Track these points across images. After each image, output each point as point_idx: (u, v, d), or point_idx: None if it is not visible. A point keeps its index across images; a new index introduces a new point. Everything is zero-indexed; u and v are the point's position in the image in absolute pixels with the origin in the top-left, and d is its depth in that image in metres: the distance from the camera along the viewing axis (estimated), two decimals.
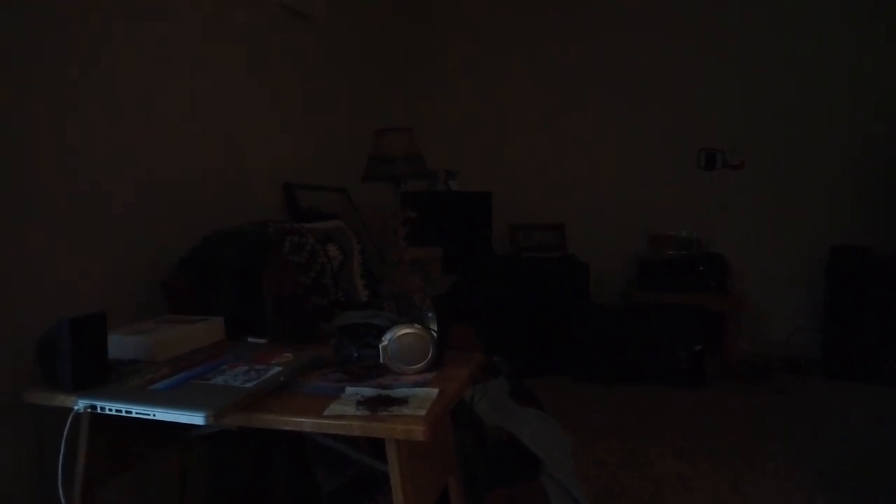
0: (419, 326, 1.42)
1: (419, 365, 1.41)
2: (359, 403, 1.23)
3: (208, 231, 1.97)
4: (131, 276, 1.86)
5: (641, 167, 4.30)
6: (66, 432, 1.26)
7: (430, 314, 1.47)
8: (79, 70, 1.70)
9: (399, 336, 1.40)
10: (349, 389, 1.32)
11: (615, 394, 3.53)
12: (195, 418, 1.14)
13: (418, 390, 1.30)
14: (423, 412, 1.19)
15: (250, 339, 1.70)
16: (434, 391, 1.30)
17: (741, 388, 3.56)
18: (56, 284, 1.61)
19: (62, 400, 1.28)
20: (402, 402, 1.24)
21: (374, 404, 1.23)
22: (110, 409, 1.21)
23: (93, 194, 1.74)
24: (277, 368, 1.38)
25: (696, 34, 4.15)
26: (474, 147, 4.56)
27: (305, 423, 1.20)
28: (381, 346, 1.41)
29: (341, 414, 1.19)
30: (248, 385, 1.28)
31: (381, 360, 1.41)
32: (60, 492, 1.30)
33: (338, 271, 2.11)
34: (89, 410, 1.22)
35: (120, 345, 1.47)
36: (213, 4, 2.28)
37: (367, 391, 1.30)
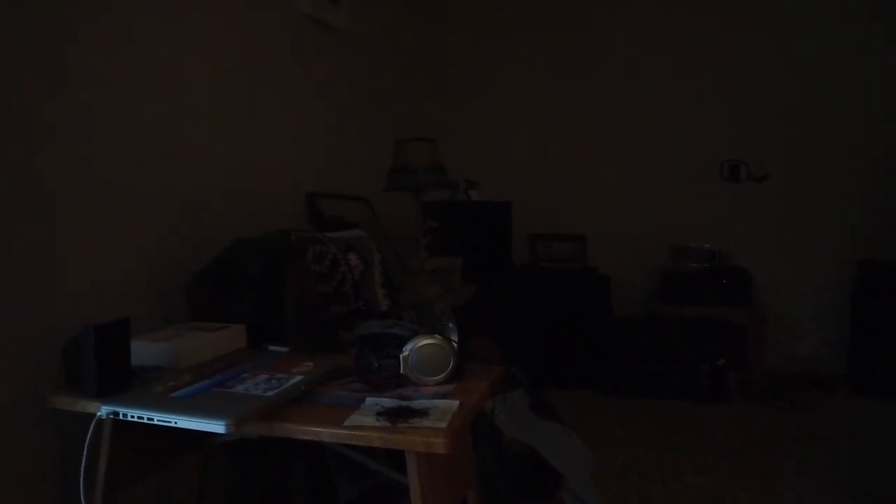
0: (440, 337, 1.40)
1: (439, 376, 1.40)
2: (379, 414, 1.23)
3: (231, 239, 1.98)
4: (154, 283, 1.87)
5: (660, 177, 4.26)
6: (88, 438, 1.27)
7: (450, 325, 1.46)
8: (88, 77, 1.72)
9: (420, 346, 1.39)
10: (369, 400, 1.31)
11: (636, 407, 3.49)
12: (216, 427, 1.14)
13: (439, 402, 1.29)
14: (443, 424, 1.18)
15: (271, 348, 1.71)
16: (455, 403, 1.29)
17: (764, 403, 3.50)
18: (81, 291, 1.63)
19: (85, 406, 1.29)
20: (423, 413, 1.23)
21: (395, 415, 1.22)
22: (132, 416, 1.22)
23: (116, 202, 1.76)
24: (298, 377, 1.38)
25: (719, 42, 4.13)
26: (490, 156, 4.54)
27: (325, 434, 1.20)
28: (401, 356, 1.40)
29: (361, 425, 1.19)
30: (269, 394, 1.28)
31: (401, 371, 1.41)
32: (82, 497, 1.31)
33: (358, 280, 2.11)
34: (112, 417, 1.23)
35: (142, 351, 1.48)
36: (236, 15, 2.30)
37: (388, 402, 1.29)
